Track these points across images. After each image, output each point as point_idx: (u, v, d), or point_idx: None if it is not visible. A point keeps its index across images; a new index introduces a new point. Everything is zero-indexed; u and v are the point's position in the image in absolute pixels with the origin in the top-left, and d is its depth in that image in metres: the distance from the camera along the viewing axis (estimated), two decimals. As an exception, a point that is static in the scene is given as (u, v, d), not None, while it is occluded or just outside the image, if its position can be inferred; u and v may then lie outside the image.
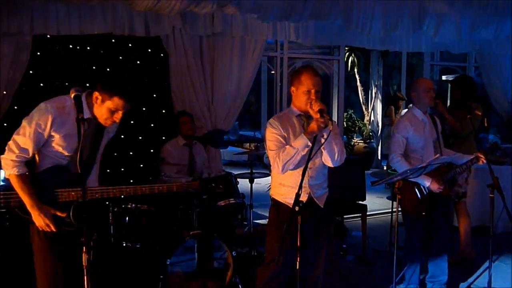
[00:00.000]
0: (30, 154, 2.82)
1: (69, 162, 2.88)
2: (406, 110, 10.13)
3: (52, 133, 2.82)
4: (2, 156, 2.82)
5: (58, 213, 2.80)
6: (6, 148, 2.81)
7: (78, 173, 2.70)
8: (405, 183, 4.06)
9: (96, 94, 2.86)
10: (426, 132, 4.19)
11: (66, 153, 2.88)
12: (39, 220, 2.77)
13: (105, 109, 2.87)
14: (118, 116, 2.89)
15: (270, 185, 3.60)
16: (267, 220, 3.55)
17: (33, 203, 2.76)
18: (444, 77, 10.42)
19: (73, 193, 2.82)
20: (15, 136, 2.81)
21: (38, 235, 2.87)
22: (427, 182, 4.03)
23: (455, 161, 4.26)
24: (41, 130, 2.79)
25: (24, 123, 2.81)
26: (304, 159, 3.01)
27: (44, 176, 2.85)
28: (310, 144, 3.05)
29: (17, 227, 2.87)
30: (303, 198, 3.25)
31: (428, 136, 4.20)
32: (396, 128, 4.21)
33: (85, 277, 2.38)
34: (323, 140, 3.09)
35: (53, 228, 2.79)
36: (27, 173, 2.81)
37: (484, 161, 4.08)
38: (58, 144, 2.86)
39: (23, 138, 2.78)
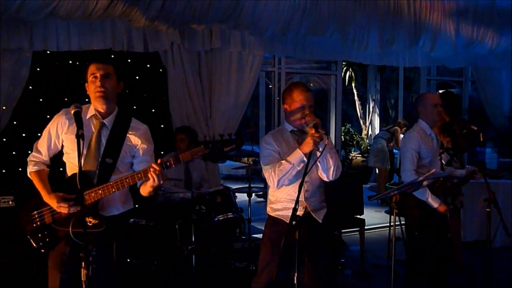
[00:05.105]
0: (44, 155, 3.00)
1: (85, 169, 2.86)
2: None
3: (60, 135, 2.95)
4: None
5: (67, 196, 2.85)
6: None
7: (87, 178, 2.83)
8: (410, 199, 4.07)
9: (86, 86, 2.97)
10: (433, 147, 4.19)
11: (77, 155, 2.82)
12: (53, 203, 2.85)
13: (89, 86, 2.93)
14: (97, 81, 2.87)
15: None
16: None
17: (46, 193, 2.88)
18: (440, 92, 10.48)
19: (92, 194, 2.82)
20: (37, 141, 3.05)
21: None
22: (435, 204, 4.01)
23: (452, 175, 4.28)
24: (51, 131, 2.98)
25: None
26: (299, 174, 3.03)
27: (65, 186, 2.92)
28: (305, 159, 3.07)
29: (56, 242, 2.92)
30: (300, 212, 3.25)
31: (436, 151, 4.21)
32: (408, 142, 4.13)
33: (84, 292, 2.38)
34: (318, 154, 3.12)
35: (70, 209, 2.83)
36: (44, 170, 3.00)
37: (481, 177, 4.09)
38: (69, 148, 2.93)
39: (40, 141, 3.02)
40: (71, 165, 2.95)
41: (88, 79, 2.91)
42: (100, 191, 2.81)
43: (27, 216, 2.94)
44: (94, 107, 2.95)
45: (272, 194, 3.40)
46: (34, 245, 2.90)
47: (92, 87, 2.89)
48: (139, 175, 2.79)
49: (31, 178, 2.99)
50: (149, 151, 3.05)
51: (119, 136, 2.94)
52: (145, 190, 2.88)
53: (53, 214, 2.90)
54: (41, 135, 3.03)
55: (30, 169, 2.99)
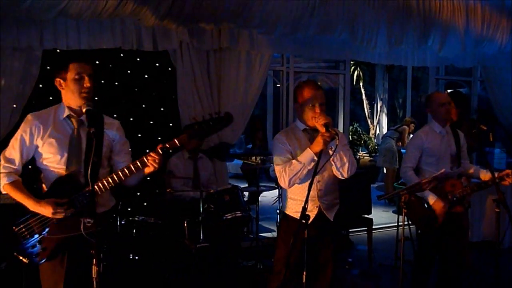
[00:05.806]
0: (17, 164, 2.86)
1: (70, 171, 2.83)
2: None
3: (36, 139, 2.86)
4: None
5: (59, 201, 2.76)
6: None
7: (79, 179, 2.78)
8: (414, 198, 4.05)
9: (56, 82, 2.88)
10: (442, 146, 4.16)
11: (59, 158, 2.84)
12: (48, 211, 2.74)
13: (70, 84, 2.83)
14: (86, 82, 2.82)
15: (276, 199, 3.62)
16: (275, 232, 3.58)
17: (34, 203, 2.76)
18: (449, 91, 10.44)
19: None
20: (4, 151, 2.90)
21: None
22: (431, 200, 4.01)
23: (470, 175, 4.28)
24: (24, 138, 2.85)
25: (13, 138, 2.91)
26: (311, 173, 3.03)
27: (52, 191, 2.83)
28: (316, 158, 3.06)
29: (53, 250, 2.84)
30: (314, 211, 3.27)
31: (444, 149, 4.17)
32: (411, 141, 4.21)
33: (95, 289, 2.39)
34: (331, 152, 3.11)
35: (66, 213, 2.76)
36: (19, 180, 2.85)
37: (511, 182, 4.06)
38: (49, 152, 2.85)
39: (9, 150, 2.88)
40: (53, 169, 2.86)
41: (69, 77, 2.84)
42: (96, 188, 2.77)
43: (6, 235, 2.80)
44: (68, 105, 2.89)
45: (288, 193, 3.41)
46: (25, 260, 2.77)
47: (77, 86, 2.83)
48: (135, 165, 2.80)
49: (6, 192, 2.82)
50: (126, 143, 3.11)
51: (98, 132, 2.89)
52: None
53: (45, 223, 2.80)
54: None
55: (4, 181, 2.81)
